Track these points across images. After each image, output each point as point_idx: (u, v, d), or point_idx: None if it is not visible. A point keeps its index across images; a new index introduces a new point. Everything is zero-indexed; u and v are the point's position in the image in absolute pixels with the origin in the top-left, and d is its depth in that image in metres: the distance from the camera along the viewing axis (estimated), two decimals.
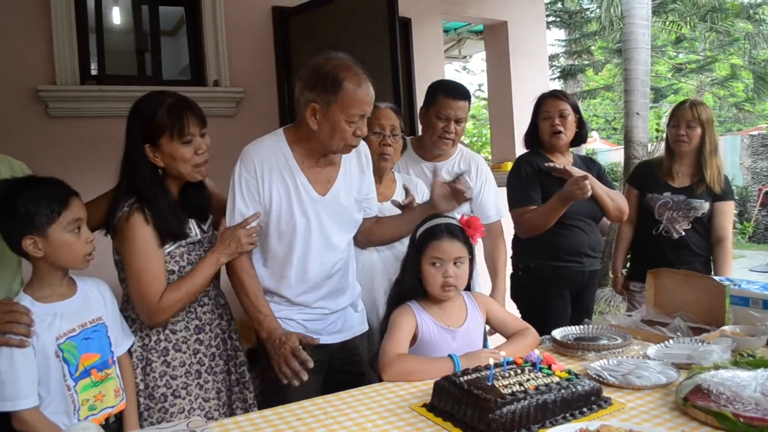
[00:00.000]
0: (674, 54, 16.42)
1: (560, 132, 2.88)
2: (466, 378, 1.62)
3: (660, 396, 1.66)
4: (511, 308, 3.04)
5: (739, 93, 16.88)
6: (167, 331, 1.97)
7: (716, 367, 1.70)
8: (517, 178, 2.95)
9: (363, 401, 1.71)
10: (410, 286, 2.03)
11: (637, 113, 7.41)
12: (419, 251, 1.97)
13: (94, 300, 1.81)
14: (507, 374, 1.63)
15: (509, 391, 1.52)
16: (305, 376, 1.84)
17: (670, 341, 2.02)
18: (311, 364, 1.84)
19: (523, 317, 3.00)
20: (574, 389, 1.57)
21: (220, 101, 4.05)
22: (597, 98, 19.11)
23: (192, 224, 2.02)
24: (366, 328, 2.32)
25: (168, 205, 1.92)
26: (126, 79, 3.96)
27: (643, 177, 3.22)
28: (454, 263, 1.97)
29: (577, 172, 2.85)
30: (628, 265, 3.45)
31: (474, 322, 2.09)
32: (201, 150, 1.94)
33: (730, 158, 12.82)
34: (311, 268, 2.10)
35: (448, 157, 2.76)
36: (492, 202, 2.81)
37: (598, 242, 2.97)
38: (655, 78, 15.98)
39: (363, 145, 2.20)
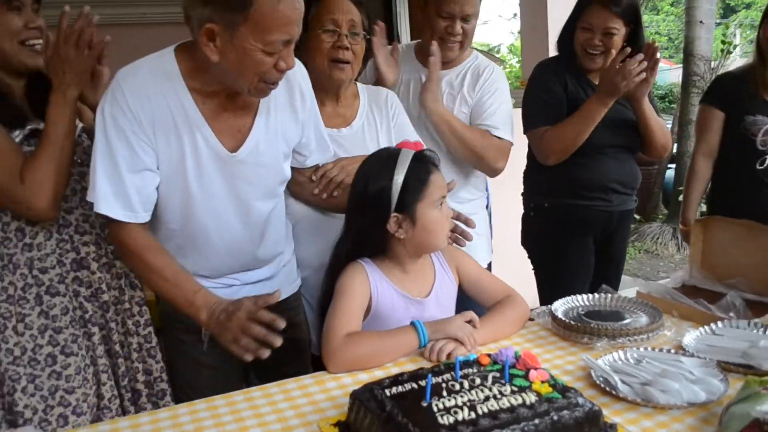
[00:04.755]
0: None
1: (595, 54, 2.14)
2: (395, 390, 1.08)
3: (695, 423, 1.08)
4: (521, 255, 2.45)
5: None
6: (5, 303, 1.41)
7: None
8: (536, 91, 2.25)
9: (260, 409, 1.20)
10: (369, 241, 1.46)
11: (701, 21, 6.37)
12: (415, 190, 1.41)
13: None
14: (458, 385, 1.08)
15: (449, 420, 0.97)
16: (277, 341, 1.27)
17: (719, 324, 1.42)
18: (282, 324, 1.28)
19: (536, 270, 2.43)
20: (555, 416, 1.00)
21: None
22: (660, 13, 17.36)
23: None
24: (298, 283, 1.75)
25: None
26: None
27: (730, 94, 2.40)
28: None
29: None
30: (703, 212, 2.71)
31: (444, 288, 1.54)
32: (33, 23, 1.42)
33: None
34: (219, 244, 1.52)
35: (457, 63, 2.13)
36: (500, 113, 2.07)
37: (632, 175, 2.27)
38: None
39: (297, 72, 1.49)
